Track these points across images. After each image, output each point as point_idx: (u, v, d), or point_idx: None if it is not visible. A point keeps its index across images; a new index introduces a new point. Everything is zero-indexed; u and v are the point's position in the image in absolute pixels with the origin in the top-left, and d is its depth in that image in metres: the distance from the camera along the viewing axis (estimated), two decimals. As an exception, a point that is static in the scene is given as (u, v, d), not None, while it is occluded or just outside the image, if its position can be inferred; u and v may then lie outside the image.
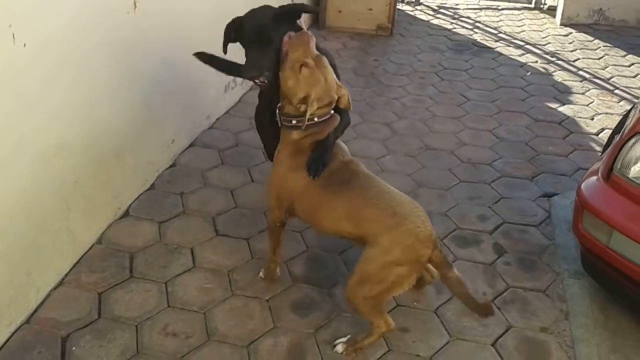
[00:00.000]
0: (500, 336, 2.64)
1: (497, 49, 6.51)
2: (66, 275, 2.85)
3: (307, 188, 2.53)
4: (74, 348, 2.47)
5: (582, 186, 2.76)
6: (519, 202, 3.67)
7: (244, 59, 2.78)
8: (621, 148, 2.65)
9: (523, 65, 6.09)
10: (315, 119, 2.51)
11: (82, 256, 2.97)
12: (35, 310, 2.64)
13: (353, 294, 2.44)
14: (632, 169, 2.58)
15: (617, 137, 2.90)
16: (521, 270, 3.07)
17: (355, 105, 4.82)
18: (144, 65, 3.37)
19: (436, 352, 2.55)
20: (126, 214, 3.36)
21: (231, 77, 4.57)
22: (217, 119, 4.51)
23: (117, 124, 3.17)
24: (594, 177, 2.76)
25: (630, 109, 3.23)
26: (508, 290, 2.92)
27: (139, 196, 3.50)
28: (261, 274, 2.91)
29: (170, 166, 3.86)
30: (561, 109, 5.07)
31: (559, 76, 5.83)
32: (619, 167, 2.63)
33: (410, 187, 3.78)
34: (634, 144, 2.61)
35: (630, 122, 2.81)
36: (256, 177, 3.83)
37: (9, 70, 2.31)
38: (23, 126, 2.43)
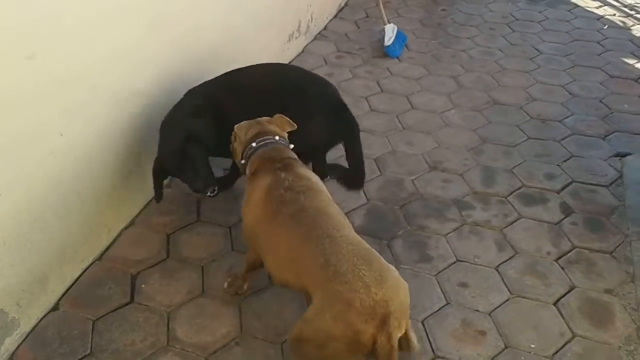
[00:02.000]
0: (563, 296, 2.60)
1: (573, 0, 6.18)
2: (136, 216, 2.98)
3: (259, 220, 2.16)
4: (143, 285, 2.59)
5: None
6: (590, 161, 3.54)
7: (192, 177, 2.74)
8: None
9: (600, 18, 5.76)
10: (253, 144, 2.35)
11: (151, 198, 3.08)
12: (107, 249, 2.78)
13: (291, 350, 1.97)
14: None
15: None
16: (588, 230, 2.98)
17: (420, 58, 4.82)
18: (210, 16, 3.38)
19: (495, 308, 2.53)
20: (193, 160, 3.44)
21: (295, 26, 4.56)
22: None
23: (187, 71, 3.21)
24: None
25: None
26: (573, 251, 2.85)
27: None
28: (226, 285, 2.56)
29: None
30: (639, 65, 4.80)
31: (638, 31, 5.49)
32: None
33: (475, 143, 3.70)
34: None
35: None
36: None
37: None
38: (97, 74, 2.50)
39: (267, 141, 2.34)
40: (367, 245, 1.98)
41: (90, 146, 2.56)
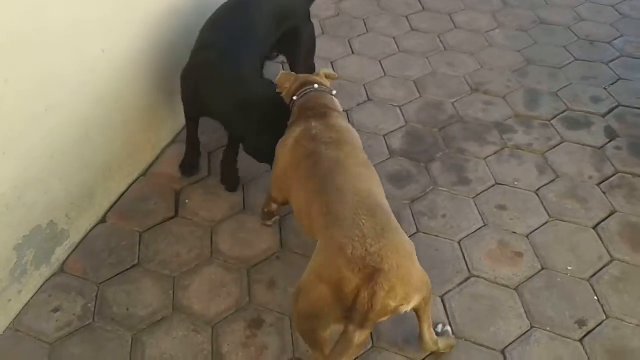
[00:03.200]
0: (603, 220, 2.58)
1: None
2: (179, 134, 3.02)
3: (286, 167, 2.15)
4: (187, 201, 2.67)
5: None
6: (638, 84, 3.41)
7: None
8: None
9: None
10: (295, 98, 2.29)
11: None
12: (151, 165, 2.85)
13: (292, 306, 1.85)
14: None
15: None
16: (632, 155, 2.92)
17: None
18: None
19: (534, 231, 2.54)
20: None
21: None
22: None
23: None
24: None
25: None
26: (616, 175, 2.81)
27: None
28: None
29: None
30: (699, -17, 4.52)
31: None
32: None
33: (520, 64, 3.60)
34: None
35: None
36: (357, 48, 3.76)
37: None
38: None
39: (308, 90, 2.28)
40: (379, 201, 1.84)
41: (132, 63, 2.57)
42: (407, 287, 1.66)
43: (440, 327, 2.12)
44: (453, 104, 3.30)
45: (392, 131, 3.11)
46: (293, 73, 2.43)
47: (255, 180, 2.77)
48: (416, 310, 1.84)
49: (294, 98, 2.30)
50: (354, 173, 1.93)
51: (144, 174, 2.80)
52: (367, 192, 1.84)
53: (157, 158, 2.88)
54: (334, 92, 2.35)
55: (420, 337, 1.97)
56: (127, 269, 2.37)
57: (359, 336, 1.59)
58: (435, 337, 2.00)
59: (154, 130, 2.84)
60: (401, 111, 3.25)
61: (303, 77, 2.37)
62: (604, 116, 3.18)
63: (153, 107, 2.79)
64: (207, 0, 2.97)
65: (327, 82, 2.41)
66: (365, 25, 3.99)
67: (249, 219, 2.59)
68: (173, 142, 2.99)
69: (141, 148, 2.78)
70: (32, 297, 2.26)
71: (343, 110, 3.15)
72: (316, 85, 2.30)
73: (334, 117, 2.20)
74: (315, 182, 1.92)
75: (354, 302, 1.58)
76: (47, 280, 2.32)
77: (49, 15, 2.07)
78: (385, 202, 1.86)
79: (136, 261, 2.40)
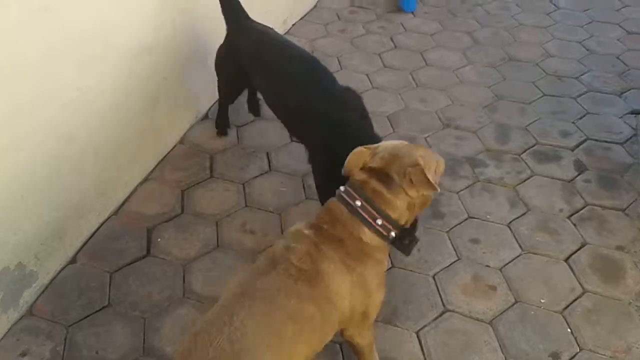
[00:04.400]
0: (574, 252, 2.61)
1: (595, -47, 5.99)
2: (151, 172, 3.01)
3: None
4: (159, 239, 2.64)
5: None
6: (605, 118, 3.50)
7: None
8: None
9: (622, -29, 5.60)
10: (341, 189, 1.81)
11: (165, 155, 3.12)
12: (123, 204, 2.82)
13: None
14: None
15: None
16: (601, 188, 2.97)
17: (435, 12, 4.74)
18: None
19: (506, 264, 2.55)
20: (206, 116, 3.45)
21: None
22: (293, 25, 4.46)
23: (198, 30, 3.19)
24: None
25: None
26: (586, 208, 2.85)
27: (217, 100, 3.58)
28: None
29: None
30: (659, 20, 4.69)
31: (661, -16, 5.34)
32: None
33: (490, 100, 3.67)
34: None
35: None
36: (332, 84, 3.80)
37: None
38: (111, 28, 2.49)
39: (366, 216, 1.73)
40: None
41: (104, 101, 2.56)
42: None
43: None
44: (426, 139, 3.34)
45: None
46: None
47: (230, 216, 2.76)
48: None
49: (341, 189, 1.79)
50: (268, 319, 1.54)
51: (115, 212, 2.77)
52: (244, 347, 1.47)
53: (129, 196, 2.86)
54: (379, 222, 1.73)
55: None
56: (97, 311, 2.32)
57: None
58: None
59: (126, 168, 2.82)
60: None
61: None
62: (572, 150, 3.25)
63: (126, 145, 2.77)
64: (177, 40, 3.00)
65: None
66: (339, 62, 4.05)
67: (223, 256, 2.57)
68: (146, 179, 2.97)
69: (113, 186, 2.75)
70: (0, 340, 2.21)
71: None
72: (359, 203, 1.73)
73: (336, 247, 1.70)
74: (236, 287, 1.62)
75: None
76: (14, 324, 2.27)
77: (23, 46, 2.06)
78: None
79: (106, 302, 2.36)
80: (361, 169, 1.78)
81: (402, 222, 1.79)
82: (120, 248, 2.59)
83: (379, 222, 1.72)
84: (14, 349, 2.18)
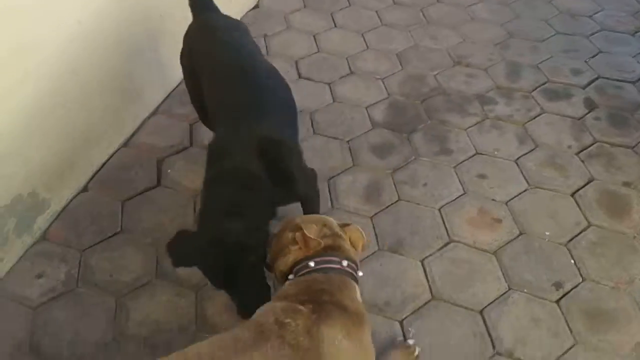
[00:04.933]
0: (581, 187, 2.62)
1: None
2: (159, 105, 3.02)
3: None
4: (168, 171, 2.67)
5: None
6: (618, 57, 3.45)
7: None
8: None
9: None
10: (311, 264, 1.57)
11: (173, 89, 3.11)
12: (132, 136, 2.84)
13: None
14: None
15: None
16: (611, 125, 2.96)
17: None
18: None
19: (512, 198, 2.57)
20: (213, 52, 3.43)
21: None
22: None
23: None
24: None
25: None
26: (594, 145, 2.85)
27: (225, 35, 3.55)
28: None
29: (254, 7, 3.84)
30: (680, -42, 4.55)
31: None
32: None
33: (502, 38, 3.61)
34: None
35: None
36: (339, 21, 3.75)
37: None
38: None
39: (331, 265, 1.56)
40: None
41: (106, 35, 2.54)
42: None
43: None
44: (435, 76, 3.32)
45: (375, 103, 3.12)
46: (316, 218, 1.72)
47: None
48: None
49: (311, 264, 1.56)
50: None
51: (125, 144, 2.79)
52: None
53: (138, 129, 2.87)
54: (360, 274, 1.65)
55: None
56: (110, 237, 2.37)
57: None
58: None
59: (133, 101, 2.82)
60: (384, 84, 3.25)
61: (332, 235, 1.64)
62: (584, 88, 3.22)
63: (131, 78, 2.77)
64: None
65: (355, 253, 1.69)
66: (348, -1, 3.99)
67: (232, 188, 2.60)
68: (154, 113, 2.98)
69: (121, 118, 2.76)
70: (15, 264, 2.26)
71: (325, 83, 3.23)
72: (345, 263, 1.59)
73: (334, 324, 1.42)
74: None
75: None
76: (29, 248, 2.32)
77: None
78: None
79: (118, 229, 2.40)
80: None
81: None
82: (131, 178, 2.62)
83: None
84: (29, 272, 2.24)
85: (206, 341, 1.37)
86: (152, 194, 2.56)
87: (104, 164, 2.68)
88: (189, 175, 2.65)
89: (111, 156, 2.72)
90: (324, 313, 1.40)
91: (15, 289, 2.18)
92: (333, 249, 1.59)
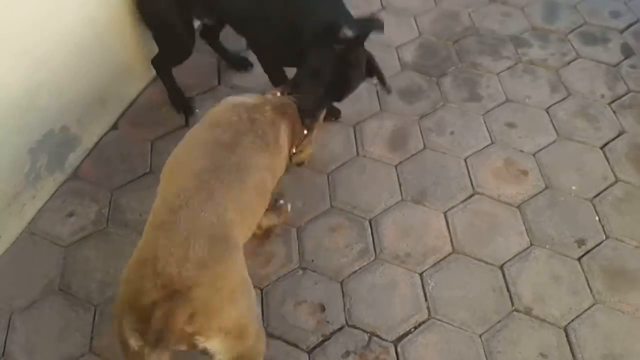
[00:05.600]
0: (611, 140, 2.58)
1: None
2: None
3: None
4: (197, 110, 2.67)
5: None
6: (662, -1, 3.30)
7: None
8: None
9: None
10: None
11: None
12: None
13: None
14: None
15: None
16: (648, 75, 2.87)
17: None
18: None
19: (540, 150, 2.55)
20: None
21: None
22: None
23: None
24: None
25: None
26: (628, 95, 2.77)
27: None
28: None
29: None
30: None
31: None
32: None
33: (539, -26, 3.45)
34: None
35: None
36: None
37: None
38: None
39: None
40: (228, 231, 1.57)
41: None
42: (211, 321, 1.45)
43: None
44: (469, 14, 3.21)
45: (405, 43, 3.05)
46: None
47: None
48: None
49: None
50: (240, 188, 1.65)
51: (153, 80, 2.78)
52: (227, 221, 1.57)
53: (166, 66, 2.86)
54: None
55: None
56: (140, 176, 2.42)
57: (154, 357, 1.41)
58: None
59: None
60: (415, 21, 3.17)
61: None
62: (621, 32, 3.10)
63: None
64: None
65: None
66: None
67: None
68: (182, 49, 2.94)
69: (152, 53, 2.74)
70: (47, 202, 2.34)
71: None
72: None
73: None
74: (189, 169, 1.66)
75: (148, 318, 1.39)
76: (60, 186, 2.39)
77: None
78: (236, 234, 1.59)
79: (148, 169, 2.45)
80: None
81: None
82: (160, 117, 2.65)
83: None
84: (61, 210, 2.31)
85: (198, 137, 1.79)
86: (181, 133, 2.48)
87: (133, 101, 2.70)
88: (217, 115, 2.65)
89: (141, 93, 2.73)
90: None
91: (47, 227, 2.26)
92: None
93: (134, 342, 1.45)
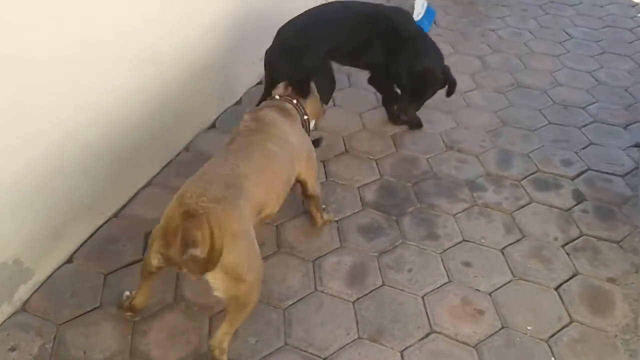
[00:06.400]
0: (565, 281, 2.61)
1: (612, -16, 6.02)
2: (154, 177, 3.07)
3: None
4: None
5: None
6: (608, 150, 3.51)
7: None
8: None
9: (635, 5, 5.62)
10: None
11: (170, 161, 3.18)
12: (124, 207, 2.88)
13: None
14: None
15: None
16: (598, 219, 2.98)
17: (448, 35, 4.79)
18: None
19: (496, 289, 2.56)
20: (213, 125, 3.52)
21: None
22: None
23: (207, 40, 3.26)
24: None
25: None
26: (581, 238, 2.86)
27: (226, 110, 3.65)
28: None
29: (257, 83, 3.95)
30: (671, 54, 4.69)
31: (675, 18, 5.35)
32: None
33: (495, 125, 3.70)
34: None
35: None
36: (338, 101, 3.85)
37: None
38: (114, 33, 2.57)
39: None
40: (243, 186, 2.10)
41: (109, 107, 2.62)
42: (213, 250, 1.79)
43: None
44: (427, 159, 3.38)
45: (367, 183, 3.16)
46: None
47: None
48: (226, 303, 2.05)
49: None
50: (248, 156, 2.25)
51: (115, 214, 2.82)
52: (240, 174, 2.13)
53: (131, 199, 2.91)
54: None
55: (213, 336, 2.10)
56: (88, 311, 2.37)
57: (154, 259, 2.02)
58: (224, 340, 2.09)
59: (129, 172, 2.87)
60: (377, 164, 3.31)
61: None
62: (573, 179, 3.26)
63: (130, 150, 2.83)
64: (185, 50, 3.06)
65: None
66: (349, 79, 4.10)
67: (216, 264, 2.60)
68: (148, 184, 3.03)
69: (114, 189, 2.81)
70: (-9, 333, 2.25)
71: (320, 161, 3.29)
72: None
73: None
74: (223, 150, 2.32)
75: (171, 243, 1.90)
76: (7, 318, 2.32)
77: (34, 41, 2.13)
78: (250, 190, 2.10)
79: (98, 303, 2.40)
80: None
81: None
82: (117, 250, 2.64)
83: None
84: (4, 344, 2.22)
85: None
86: (136, 268, 2.53)
87: (92, 234, 2.71)
88: (175, 249, 2.66)
89: (100, 226, 2.75)
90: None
91: (-12, 360, 2.17)
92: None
93: (155, 262, 2.04)
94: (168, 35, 2.89)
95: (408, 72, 3.26)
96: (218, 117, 3.58)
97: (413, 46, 3.28)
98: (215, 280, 1.93)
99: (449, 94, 3.43)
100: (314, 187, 2.68)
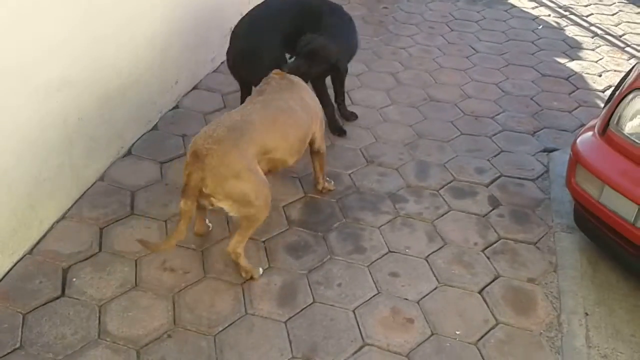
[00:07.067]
0: (488, 285, 2.71)
1: (510, 1, 6.39)
2: (69, 209, 2.94)
3: None
4: (74, 279, 2.57)
5: (578, 141, 2.78)
6: (518, 156, 3.69)
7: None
8: (619, 104, 2.65)
9: (535, 18, 5.98)
10: None
11: (84, 192, 3.06)
12: (38, 242, 2.74)
13: None
14: (628, 124, 2.59)
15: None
16: (514, 222, 3.12)
17: (361, 54, 4.88)
18: (149, 3, 3.36)
19: (424, 297, 2.62)
20: (128, 153, 3.42)
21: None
22: (222, 63, 4.50)
23: (121, 63, 3.18)
24: (590, 133, 2.77)
25: (633, 66, 3.20)
26: (499, 242, 2.98)
27: (141, 136, 3.56)
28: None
29: (174, 108, 3.89)
30: (570, 64, 5.01)
31: (571, 31, 5.72)
32: (615, 122, 2.64)
33: (411, 138, 3.80)
34: (631, 99, 2.60)
35: (630, 79, 2.80)
36: (258, 122, 3.85)
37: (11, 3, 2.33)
38: (25, 59, 2.46)
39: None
40: (249, 134, 2.49)
41: (20, 137, 2.51)
42: (217, 187, 2.36)
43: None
44: (350, 175, 3.42)
45: (291, 202, 3.17)
46: None
47: (150, 254, 2.72)
48: (239, 219, 2.53)
49: None
50: (264, 108, 2.68)
51: (30, 251, 2.68)
52: (248, 121, 2.54)
53: (45, 234, 2.78)
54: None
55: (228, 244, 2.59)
56: (8, 353, 2.23)
57: (182, 204, 2.37)
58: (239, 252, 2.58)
59: (41, 206, 2.74)
60: (300, 182, 3.32)
61: None
62: (487, 186, 3.40)
63: (41, 182, 2.71)
64: (98, 73, 2.98)
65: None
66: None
67: (141, 295, 2.52)
68: (62, 217, 2.90)
69: (28, 224, 2.67)
70: None
71: None
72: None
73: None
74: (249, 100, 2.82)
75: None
76: None
77: None
78: (254, 135, 2.51)
79: (18, 344, 2.26)
80: None
81: None
82: (34, 288, 2.51)
83: None
84: None
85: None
86: (55, 305, 2.44)
87: (6, 273, 2.56)
88: (96, 282, 2.56)
89: (15, 264, 2.60)
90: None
91: None
92: None
93: (181, 204, 2.38)
94: (80, 57, 2.80)
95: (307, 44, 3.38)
96: (134, 144, 3.49)
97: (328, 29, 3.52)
98: (228, 207, 2.44)
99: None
100: (320, 144, 3.06)
